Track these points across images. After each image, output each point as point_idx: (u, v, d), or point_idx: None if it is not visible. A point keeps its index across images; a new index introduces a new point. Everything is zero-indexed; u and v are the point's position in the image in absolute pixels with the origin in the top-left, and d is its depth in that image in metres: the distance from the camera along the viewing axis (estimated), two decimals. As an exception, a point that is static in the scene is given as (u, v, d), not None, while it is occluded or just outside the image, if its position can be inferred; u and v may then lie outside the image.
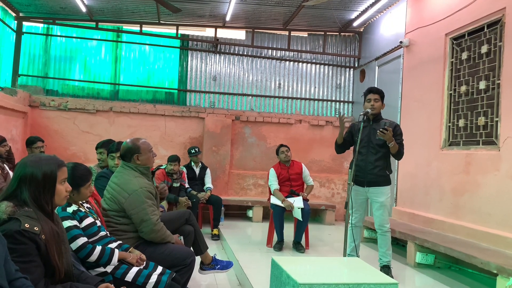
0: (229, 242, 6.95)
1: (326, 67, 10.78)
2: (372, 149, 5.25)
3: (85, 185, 3.33)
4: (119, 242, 3.62)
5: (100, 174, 5.04)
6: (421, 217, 7.02)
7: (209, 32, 10.50)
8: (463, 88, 6.44)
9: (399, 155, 5.25)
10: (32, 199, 2.49)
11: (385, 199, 5.27)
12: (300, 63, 10.69)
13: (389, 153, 5.25)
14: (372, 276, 3.35)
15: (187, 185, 8.24)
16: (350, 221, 5.24)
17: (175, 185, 7.89)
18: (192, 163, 8.60)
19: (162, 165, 8.07)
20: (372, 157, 5.25)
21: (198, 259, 4.47)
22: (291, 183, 7.02)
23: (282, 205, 6.61)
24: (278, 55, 10.63)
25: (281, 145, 7.19)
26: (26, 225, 2.36)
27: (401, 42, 8.02)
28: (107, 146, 5.39)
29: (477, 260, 4.88)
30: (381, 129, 4.98)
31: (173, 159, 7.85)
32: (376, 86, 9.01)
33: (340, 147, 5.53)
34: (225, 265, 4.85)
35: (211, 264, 4.78)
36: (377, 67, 9.41)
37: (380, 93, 5.33)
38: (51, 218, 2.57)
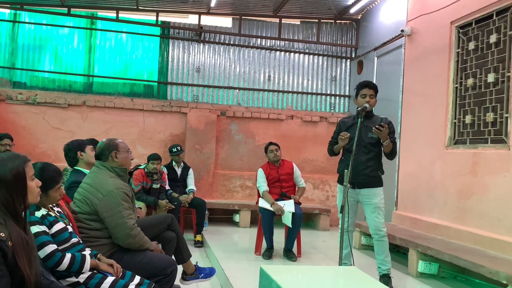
0: (213, 250, 6.93)
1: (320, 57, 10.78)
2: (364, 148, 5.26)
3: (55, 187, 3.30)
4: (89, 249, 3.56)
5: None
6: (423, 222, 7.03)
7: (192, 19, 10.43)
8: (470, 81, 6.45)
9: (392, 154, 5.29)
10: (3, 203, 2.46)
11: (379, 200, 5.28)
12: (292, 54, 10.67)
13: (381, 152, 5.30)
14: (370, 287, 3.35)
15: (167, 187, 8.19)
16: (345, 226, 5.24)
17: (155, 186, 7.84)
18: (174, 163, 8.55)
19: (140, 165, 8.02)
20: (363, 157, 5.26)
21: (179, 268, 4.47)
22: (282, 184, 7.01)
23: (271, 208, 6.61)
24: (268, 44, 10.61)
25: (270, 143, 7.19)
26: None
27: (402, 30, 8.02)
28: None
29: (485, 270, 4.89)
30: (376, 126, 4.99)
31: (155, 157, 7.82)
32: (375, 78, 9.09)
33: (335, 153, 5.57)
34: (208, 273, 4.87)
35: (194, 274, 4.77)
36: (376, 58, 9.42)
37: (375, 89, 5.37)
38: (21, 222, 2.54)
